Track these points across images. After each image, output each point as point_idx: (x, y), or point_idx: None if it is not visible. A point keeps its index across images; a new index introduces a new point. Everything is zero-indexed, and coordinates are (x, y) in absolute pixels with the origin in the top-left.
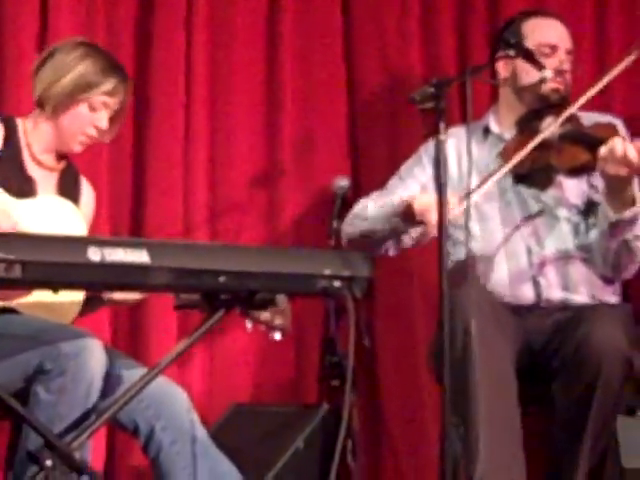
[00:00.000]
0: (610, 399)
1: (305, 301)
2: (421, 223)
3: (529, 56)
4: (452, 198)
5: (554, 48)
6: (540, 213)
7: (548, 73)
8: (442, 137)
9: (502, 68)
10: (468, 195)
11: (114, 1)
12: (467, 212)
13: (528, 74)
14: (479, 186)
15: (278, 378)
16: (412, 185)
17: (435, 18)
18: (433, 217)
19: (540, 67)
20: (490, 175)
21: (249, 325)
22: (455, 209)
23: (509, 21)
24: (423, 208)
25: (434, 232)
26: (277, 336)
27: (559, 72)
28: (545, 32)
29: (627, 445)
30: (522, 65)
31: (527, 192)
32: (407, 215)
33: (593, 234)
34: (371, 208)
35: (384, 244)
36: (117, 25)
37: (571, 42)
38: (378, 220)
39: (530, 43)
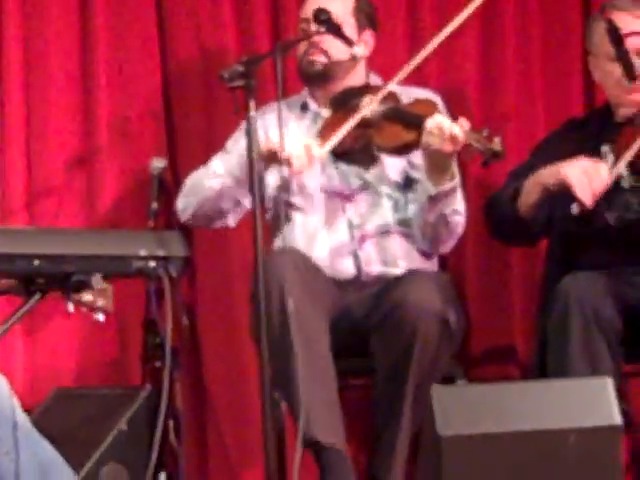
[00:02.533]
0: (429, 358)
1: (126, 282)
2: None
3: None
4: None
5: (305, 21)
6: (361, 189)
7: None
8: (252, 114)
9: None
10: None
11: None
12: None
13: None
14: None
15: (102, 361)
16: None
17: None
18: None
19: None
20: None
21: (70, 308)
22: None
23: None
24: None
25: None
26: (100, 317)
27: (310, 43)
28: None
29: (443, 413)
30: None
31: (349, 169)
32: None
33: (412, 209)
34: (219, 165)
35: (228, 211)
36: None
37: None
38: (236, 168)
39: None
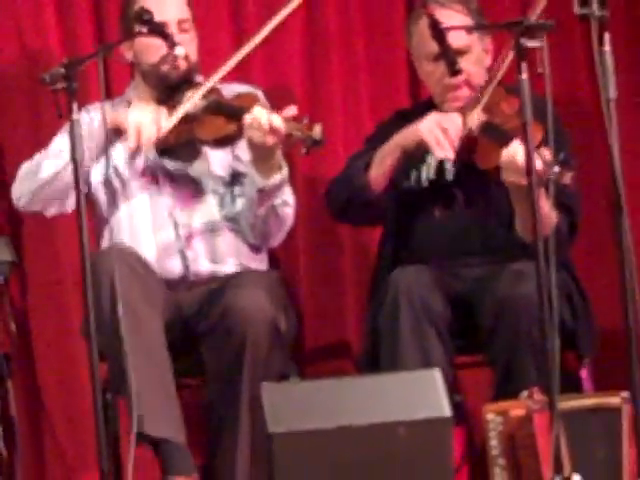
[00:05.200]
0: (261, 363)
1: None
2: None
3: (162, 33)
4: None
5: (164, 25)
6: (190, 186)
7: (180, 50)
8: (75, 117)
9: (125, 50)
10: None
11: None
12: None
13: (147, 54)
14: None
15: None
16: None
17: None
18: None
19: (173, 44)
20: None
21: None
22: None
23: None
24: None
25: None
26: None
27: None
28: (153, 8)
29: (273, 410)
30: (141, 44)
31: (173, 165)
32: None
33: (239, 204)
34: (62, 142)
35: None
36: None
37: (185, 10)
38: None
39: None
